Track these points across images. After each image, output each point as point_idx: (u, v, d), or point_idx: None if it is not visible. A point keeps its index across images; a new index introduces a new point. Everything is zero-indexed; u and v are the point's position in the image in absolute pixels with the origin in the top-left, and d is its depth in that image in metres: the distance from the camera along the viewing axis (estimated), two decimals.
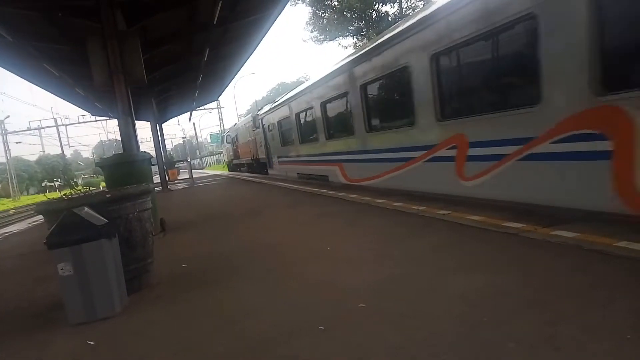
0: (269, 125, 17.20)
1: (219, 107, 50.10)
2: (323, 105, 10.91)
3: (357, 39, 34.01)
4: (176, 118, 47.89)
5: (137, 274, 4.02)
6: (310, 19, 35.02)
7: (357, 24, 33.46)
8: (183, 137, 77.80)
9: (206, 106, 36.25)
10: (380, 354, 2.28)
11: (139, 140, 8.31)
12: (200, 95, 21.30)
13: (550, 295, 2.68)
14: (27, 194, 59.30)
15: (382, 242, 4.61)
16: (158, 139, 18.71)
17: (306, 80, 12.98)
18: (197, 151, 76.69)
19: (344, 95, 9.54)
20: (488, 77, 5.68)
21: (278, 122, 15.61)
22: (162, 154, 19.56)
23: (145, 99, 15.96)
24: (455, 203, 5.78)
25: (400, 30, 7.14)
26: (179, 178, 26.78)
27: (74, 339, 3.14)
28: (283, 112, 14.67)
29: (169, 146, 60.44)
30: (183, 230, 7.21)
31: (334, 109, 10.62)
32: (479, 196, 5.75)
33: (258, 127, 19.64)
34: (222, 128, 49.32)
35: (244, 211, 8.52)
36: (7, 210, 32.95)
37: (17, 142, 65.12)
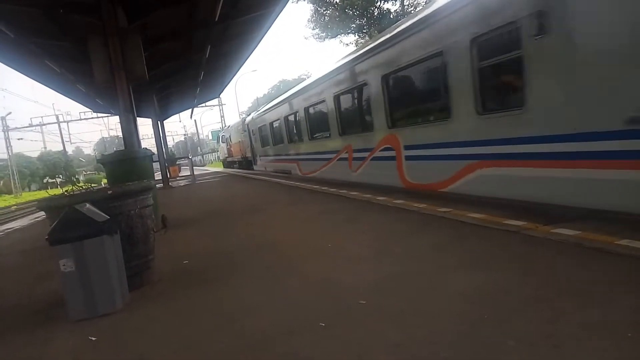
0: (253, 130, 21.19)
1: (220, 104, 50.05)
2: (286, 118, 14.92)
3: (359, 36, 33.96)
4: (177, 115, 47.94)
5: (138, 270, 4.03)
6: (312, 16, 34.95)
7: (359, 21, 33.39)
8: (184, 134, 77.87)
9: (207, 103, 36.24)
10: (380, 352, 2.29)
11: (141, 137, 8.32)
12: (201, 92, 21.30)
13: (551, 293, 2.69)
14: (29, 191, 59.42)
15: (382, 239, 4.61)
16: (159, 136, 18.72)
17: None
18: (199, 148, 76.62)
19: (296, 112, 13.63)
20: (360, 112, 9.57)
21: (258, 128, 19.81)
22: (164, 150, 19.57)
23: (147, 96, 15.95)
24: (455, 201, 5.78)
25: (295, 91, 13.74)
26: (180, 175, 26.77)
27: (75, 335, 3.15)
28: (262, 121, 18.83)
29: (170, 143, 60.44)
30: (184, 227, 7.22)
31: (292, 121, 14.47)
32: (359, 181, 9.56)
33: (245, 131, 23.39)
34: (223, 125, 49.35)
35: (245, 208, 8.53)
36: (9, 207, 33.03)
37: (18, 139, 65.06)
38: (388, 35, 7.74)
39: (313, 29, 35.68)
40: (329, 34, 35.19)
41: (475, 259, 3.54)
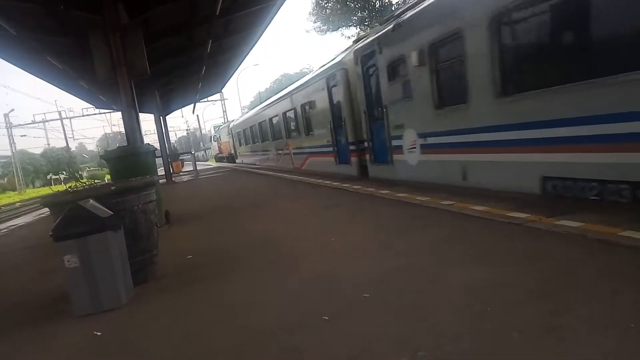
0: (237, 133, 28.09)
1: (222, 99, 49.99)
2: (251, 127, 22.12)
3: (361, 28, 33.74)
4: (180, 110, 48.15)
5: (142, 265, 4.05)
6: (314, 9, 34.76)
7: (361, 13, 33.19)
8: (187, 129, 77.88)
9: (209, 98, 36.27)
10: (384, 345, 2.29)
11: (143, 133, 8.33)
12: (203, 87, 21.27)
13: (554, 286, 2.68)
14: (33, 187, 59.58)
15: (385, 232, 4.62)
16: (162, 131, 18.74)
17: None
18: (201, 143, 76.61)
19: (263, 122, 19.32)
20: (279, 128, 16.83)
21: (236, 132, 27.85)
22: (166, 146, 19.59)
23: (149, 92, 15.95)
24: (460, 194, 5.77)
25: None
26: (183, 170, 26.84)
27: (80, 330, 3.18)
28: (240, 126, 26.10)
29: (172, 138, 60.51)
30: (188, 222, 7.25)
31: (257, 128, 20.69)
32: (280, 166, 16.97)
33: (229, 134, 31.15)
34: (226, 120, 49.37)
35: (248, 203, 8.55)
36: (13, 203, 33.16)
37: (22, 136, 65.06)
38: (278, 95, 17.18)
39: (314, 22, 35.51)
40: (331, 26, 34.98)
41: (478, 252, 3.53)
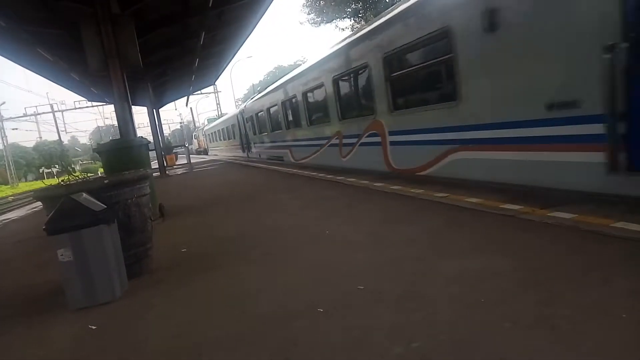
0: (208, 133, 40.20)
1: (216, 92, 49.77)
2: (218, 130, 32.39)
3: (355, 20, 33.58)
4: (173, 103, 48.29)
5: (137, 259, 4.04)
6: (307, 1, 34.55)
7: (355, 5, 33.00)
8: (180, 122, 77.41)
9: (203, 90, 36.11)
10: (378, 335, 2.31)
11: (136, 126, 8.27)
12: (196, 79, 21.12)
13: (547, 276, 2.71)
14: (25, 181, 59.15)
15: (380, 224, 4.63)
16: (155, 124, 18.63)
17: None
18: (194, 136, 76.27)
19: (230, 126, 26.10)
20: (234, 132, 26.55)
21: (205, 133, 42.42)
22: (160, 139, 19.48)
23: (142, 84, 15.82)
24: (454, 186, 5.79)
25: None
26: (177, 163, 26.73)
27: (75, 323, 3.17)
28: (212, 129, 36.96)
29: (166, 131, 60.21)
30: (182, 215, 7.23)
31: (217, 132, 32.36)
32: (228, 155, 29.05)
33: (204, 134, 44.43)
34: (219, 112, 49.43)
35: (242, 195, 8.53)
36: (6, 197, 32.92)
37: (13, 129, 64.59)
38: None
39: (308, 14, 35.32)
40: (325, 18, 34.80)
41: (471, 243, 3.56)
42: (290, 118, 13.23)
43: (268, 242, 4.61)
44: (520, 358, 1.95)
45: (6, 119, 49.80)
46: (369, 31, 8.00)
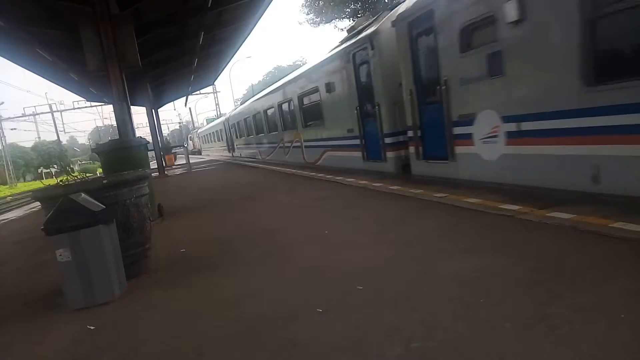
0: (201, 135, 45.36)
1: (214, 92, 49.72)
2: (208, 134, 39.78)
3: (354, 20, 33.53)
4: (172, 103, 48.80)
5: (135, 259, 4.04)
6: (306, 1, 34.47)
7: (354, 5, 32.94)
8: (179, 122, 77.36)
9: (202, 91, 36.25)
10: (377, 335, 2.31)
11: (135, 126, 8.26)
12: (195, 79, 21.13)
13: (546, 276, 2.71)
14: (24, 181, 59.01)
15: (379, 225, 4.63)
16: (154, 124, 18.60)
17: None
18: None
19: (219, 130, 31.57)
20: (222, 135, 31.79)
21: (198, 135, 48.97)
22: (159, 139, 19.46)
23: (141, 84, 15.81)
24: (453, 186, 5.79)
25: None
26: (176, 163, 26.72)
27: (74, 323, 3.17)
28: (204, 132, 43.21)
29: (165, 132, 60.22)
30: (181, 215, 7.23)
31: (208, 135, 38.87)
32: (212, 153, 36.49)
33: (198, 136, 49.03)
34: (218, 113, 49.46)
35: (241, 195, 8.53)
36: (4, 197, 32.84)
37: (12, 129, 64.80)
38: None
39: (307, 14, 35.19)
40: (324, 18, 34.70)
41: (471, 244, 3.56)
42: (258, 127, 18.73)
43: (267, 242, 4.61)
44: (520, 358, 1.95)
45: (5, 119, 49.75)
46: (293, 78, 13.29)
